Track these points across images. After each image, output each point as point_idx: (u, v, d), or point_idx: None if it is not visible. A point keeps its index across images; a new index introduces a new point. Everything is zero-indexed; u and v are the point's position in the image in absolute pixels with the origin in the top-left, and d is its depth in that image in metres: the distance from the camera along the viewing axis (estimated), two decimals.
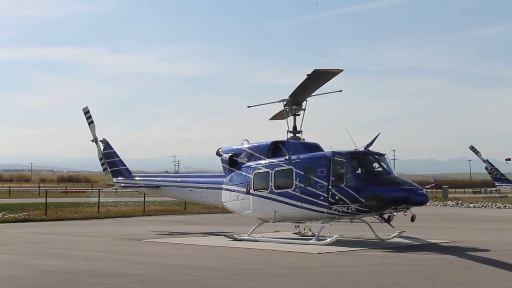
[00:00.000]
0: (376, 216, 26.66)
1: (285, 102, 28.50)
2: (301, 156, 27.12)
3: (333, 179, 25.83)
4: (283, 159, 27.40)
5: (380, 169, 26.14)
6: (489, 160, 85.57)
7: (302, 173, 26.68)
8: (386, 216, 26.23)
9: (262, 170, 27.96)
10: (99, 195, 52.53)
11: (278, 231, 30.96)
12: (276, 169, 27.53)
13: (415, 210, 25.59)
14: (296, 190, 26.70)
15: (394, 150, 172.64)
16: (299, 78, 26.66)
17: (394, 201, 25.08)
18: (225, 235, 29.20)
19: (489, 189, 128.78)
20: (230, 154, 29.49)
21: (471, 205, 69.78)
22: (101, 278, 17.26)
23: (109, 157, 35.00)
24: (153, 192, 36.06)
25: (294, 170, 26.89)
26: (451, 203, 72.56)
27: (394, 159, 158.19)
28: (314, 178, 26.35)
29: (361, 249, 24.11)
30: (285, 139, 28.67)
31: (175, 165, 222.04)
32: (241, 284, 16.39)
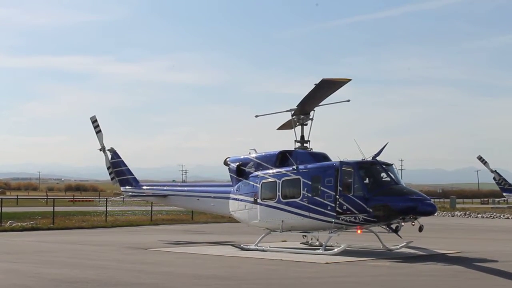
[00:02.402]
0: (384, 226, 26.59)
1: (292, 112, 28.52)
2: (309, 165, 27.09)
3: (341, 189, 25.78)
4: (290, 168, 27.38)
5: (388, 179, 26.09)
6: (497, 171, 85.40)
7: (310, 182, 26.65)
8: (394, 226, 26.15)
9: (269, 180, 27.94)
10: (106, 204, 52.66)
11: (285, 241, 30.91)
12: (284, 178, 27.51)
13: (423, 220, 25.53)
14: (304, 199, 26.66)
15: (401, 160, 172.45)
16: (307, 87, 26.71)
17: (402, 211, 25.02)
18: (232, 245, 29.17)
19: (497, 199, 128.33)
20: (238, 163, 29.48)
21: (479, 215, 69.54)
22: (109, 287, 17.28)
23: (116, 166, 35.06)
24: (161, 201, 36.08)
25: (302, 179, 26.86)
26: (459, 214, 72.34)
27: (401, 169, 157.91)
28: (321, 188, 26.30)
29: (368, 259, 24.05)
30: (292, 148, 28.67)
31: (182, 174, 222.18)
32: None
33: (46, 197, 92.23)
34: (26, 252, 27.05)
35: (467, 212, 72.97)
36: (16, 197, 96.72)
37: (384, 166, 26.26)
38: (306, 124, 28.80)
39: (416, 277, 19.74)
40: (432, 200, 27.17)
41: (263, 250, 26.94)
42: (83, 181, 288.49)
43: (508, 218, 65.76)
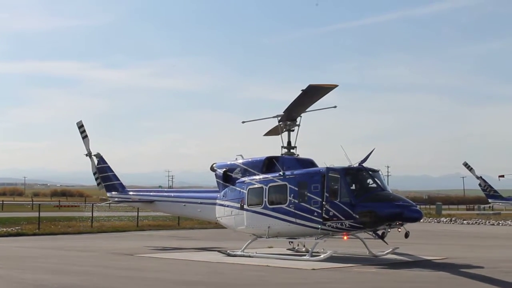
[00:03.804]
0: (370, 233, 26.64)
1: (279, 118, 28.55)
2: (295, 171, 27.11)
3: (327, 195, 25.81)
4: (277, 174, 27.40)
5: (374, 185, 26.15)
6: (483, 177, 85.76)
7: (296, 188, 26.67)
8: (380, 232, 26.22)
9: (256, 186, 27.94)
10: (92, 210, 52.49)
11: (272, 247, 30.91)
12: (270, 184, 27.51)
13: (409, 226, 25.59)
14: (290, 206, 26.67)
15: (388, 166, 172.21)
16: (294, 93, 26.74)
17: (388, 218, 25.08)
18: (218, 251, 29.13)
19: (482, 205, 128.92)
20: (224, 169, 29.47)
21: (464, 221, 69.82)
22: None
23: (103, 171, 34.94)
24: (147, 207, 35.98)
25: (288, 185, 26.87)
26: (445, 220, 72.60)
27: (388, 175, 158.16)
28: (308, 194, 26.33)
29: (355, 266, 24.08)
30: (279, 154, 28.69)
31: (169, 180, 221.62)
32: None
33: (31, 203, 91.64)
34: (11, 258, 26.88)
35: (453, 218, 73.24)
36: (1, 202, 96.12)
37: (370, 172, 26.33)
38: (293, 130, 28.83)
39: (402, 283, 19.78)
40: (418, 206, 27.25)
41: (249, 256, 26.91)
42: (69, 186, 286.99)
43: (493, 224, 66.09)
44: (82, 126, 34.69)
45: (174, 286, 18.71)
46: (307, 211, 26.18)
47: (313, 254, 26.01)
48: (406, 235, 25.09)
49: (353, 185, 26.20)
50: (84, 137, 34.68)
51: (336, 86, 25.91)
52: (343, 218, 25.48)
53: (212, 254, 28.47)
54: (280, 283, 19.71)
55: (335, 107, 28.77)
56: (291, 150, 28.71)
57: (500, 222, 66.95)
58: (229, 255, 27.64)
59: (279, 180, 27.25)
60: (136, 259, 26.56)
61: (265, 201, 27.46)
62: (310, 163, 28.13)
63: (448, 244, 37.03)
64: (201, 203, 30.74)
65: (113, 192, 34.96)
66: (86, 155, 34.87)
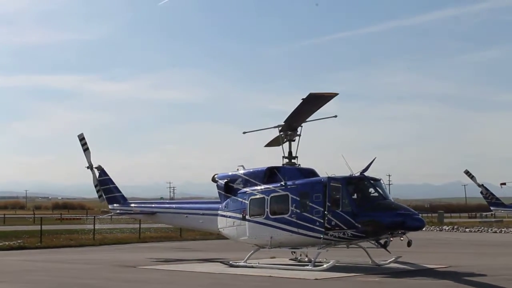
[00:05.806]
0: (373, 242, 26.62)
1: (280, 128, 28.58)
2: (297, 181, 27.12)
3: (329, 204, 25.82)
4: (279, 184, 27.40)
5: (376, 194, 26.17)
6: (484, 185, 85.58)
7: (298, 198, 26.67)
8: (382, 241, 26.20)
9: (258, 196, 27.93)
10: (94, 222, 52.42)
11: (274, 257, 30.87)
12: (272, 195, 27.51)
13: (411, 235, 25.58)
14: (292, 216, 26.66)
15: (389, 175, 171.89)
16: (295, 103, 26.75)
17: (391, 226, 25.08)
18: (221, 262, 29.10)
19: (484, 213, 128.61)
20: (226, 180, 29.48)
21: (467, 229, 69.67)
22: None
23: (104, 184, 34.92)
24: (149, 219, 35.95)
25: (290, 196, 26.88)
26: (447, 228, 72.48)
27: (389, 184, 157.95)
28: (310, 204, 26.32)
29: (358, 275, 24.05)
30: (280, 164, 28.70)
31: (170, 192, 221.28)
32: None
33: (33, 216, 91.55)
34: (14, 272, 26.85)
35: (455, 227, 73.11)
36: (3, 216, 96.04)
37: (372, 182, 26.36)
38: (294, 140, 28.85)
39: None
40: (420, 214, 27.24)
41: (252, 267, 26.88)
42: (70, 199, 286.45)
43: (495, 232, 65.96)
44: (83, 138, 34.68)
45: None
46: (309, 221, 26.18)
47: (316, 264, 25.99)
48: (409, 243, 25.09)
49: (355, 194, 26.22)
50: (86, 149, 34.67)
51: (336, 94, 25.98)
52: (345, 228, 25.48)
53: (214, 265, 28.44)
54: None
55: (335, 116, 28.84)
56: (292, 160, 28.72)
57: (503, 230, 66.83)
58: (231, 266, 27.61)
59: (280, 190, 27.26)
60: (139, 271, 26.53)
61: (267, 211, 27.45)
62: (311, 173, 28.15)
63: (450, 252, 36.97)
64: (203, 214, 30.73)
65: (115, 204, 34.94)
66: (88, 167, 34.85)
